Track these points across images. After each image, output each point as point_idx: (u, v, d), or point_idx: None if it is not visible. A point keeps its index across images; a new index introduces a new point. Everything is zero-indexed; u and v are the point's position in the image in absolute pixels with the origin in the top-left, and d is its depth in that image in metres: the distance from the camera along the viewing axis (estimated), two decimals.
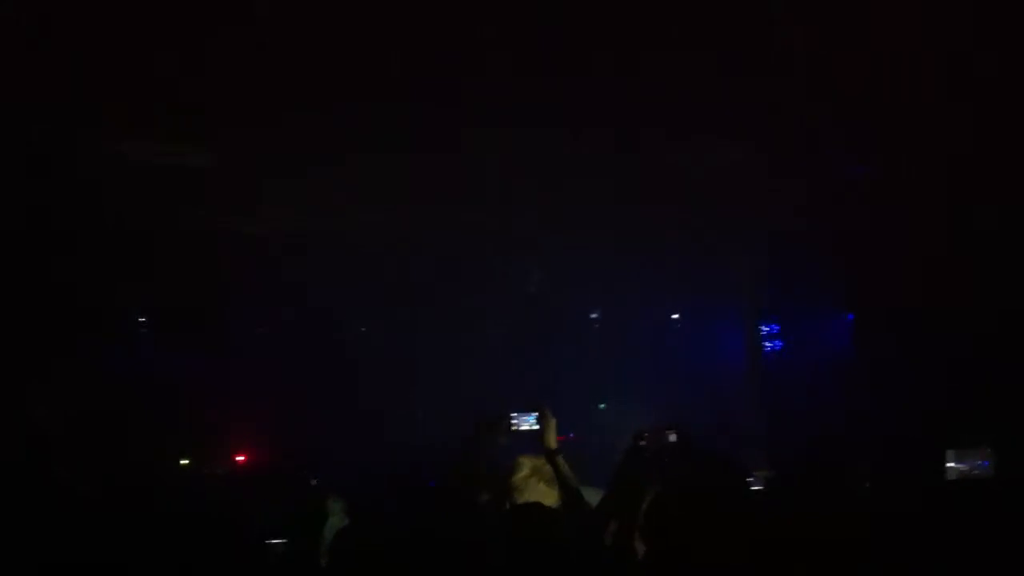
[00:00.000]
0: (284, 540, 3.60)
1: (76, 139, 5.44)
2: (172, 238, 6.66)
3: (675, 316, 8.96)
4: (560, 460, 3.23)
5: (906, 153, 5.69)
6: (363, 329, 8.60)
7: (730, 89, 5.10)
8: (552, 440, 3.34)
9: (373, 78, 5.01)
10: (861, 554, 2.35)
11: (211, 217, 6.72)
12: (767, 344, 8.55)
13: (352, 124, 5.45)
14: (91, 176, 5.76)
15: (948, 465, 3.96)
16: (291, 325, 8.26)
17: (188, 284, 7.22)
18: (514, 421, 3.46)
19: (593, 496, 3.24)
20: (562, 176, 6.35)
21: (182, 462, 7.59)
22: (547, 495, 3.19)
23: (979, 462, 3.98)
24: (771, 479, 4.17)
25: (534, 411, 3.43)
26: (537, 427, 3.41)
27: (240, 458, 7.89)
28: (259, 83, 5.02)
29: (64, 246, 6.25)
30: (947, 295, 6.23)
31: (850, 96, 5.10)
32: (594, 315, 9.17)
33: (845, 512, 2.52)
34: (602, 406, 8.83)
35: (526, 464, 3.27)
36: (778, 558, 2.16)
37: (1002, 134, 5.19)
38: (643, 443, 3.21)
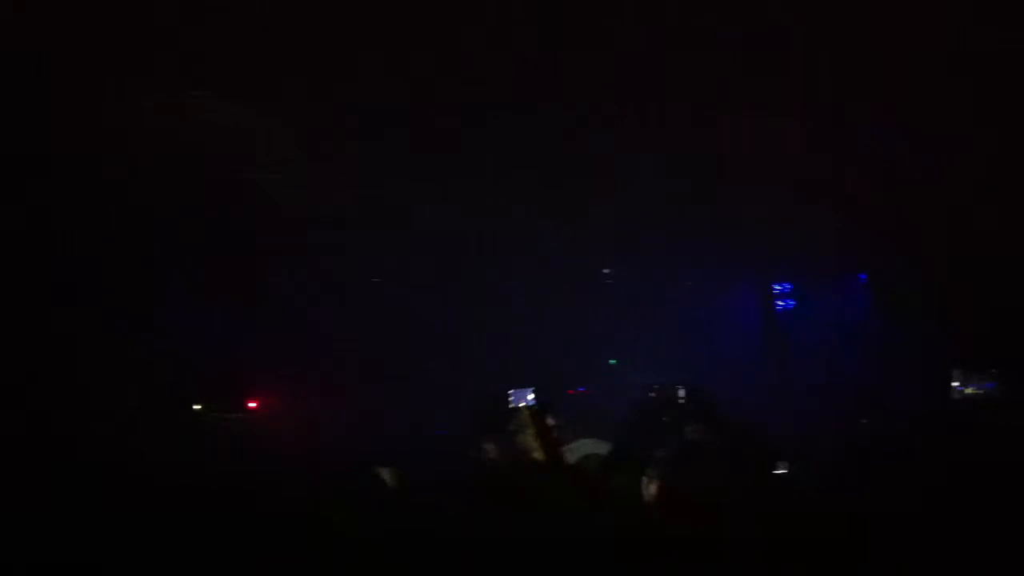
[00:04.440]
0: None
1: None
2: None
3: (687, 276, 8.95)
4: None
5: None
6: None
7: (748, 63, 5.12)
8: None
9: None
10: (861, 554, 2.35)
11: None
12: (779, 303, 8.57)
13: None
14: None
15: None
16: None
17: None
18: (512, 398, 3.50)
19: (597, 447, 3.32)
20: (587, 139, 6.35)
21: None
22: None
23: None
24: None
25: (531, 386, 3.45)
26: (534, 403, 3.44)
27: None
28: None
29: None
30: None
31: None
32: (606, 271, 9.17)
33: (844, 512, 2.50)
34: (613, 362, 8.91)
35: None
36: (778, 558, 2.17)
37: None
38: (652, 395, 3.26)
